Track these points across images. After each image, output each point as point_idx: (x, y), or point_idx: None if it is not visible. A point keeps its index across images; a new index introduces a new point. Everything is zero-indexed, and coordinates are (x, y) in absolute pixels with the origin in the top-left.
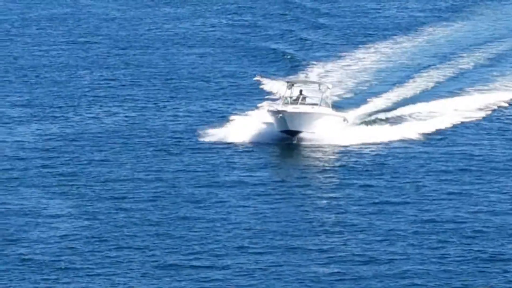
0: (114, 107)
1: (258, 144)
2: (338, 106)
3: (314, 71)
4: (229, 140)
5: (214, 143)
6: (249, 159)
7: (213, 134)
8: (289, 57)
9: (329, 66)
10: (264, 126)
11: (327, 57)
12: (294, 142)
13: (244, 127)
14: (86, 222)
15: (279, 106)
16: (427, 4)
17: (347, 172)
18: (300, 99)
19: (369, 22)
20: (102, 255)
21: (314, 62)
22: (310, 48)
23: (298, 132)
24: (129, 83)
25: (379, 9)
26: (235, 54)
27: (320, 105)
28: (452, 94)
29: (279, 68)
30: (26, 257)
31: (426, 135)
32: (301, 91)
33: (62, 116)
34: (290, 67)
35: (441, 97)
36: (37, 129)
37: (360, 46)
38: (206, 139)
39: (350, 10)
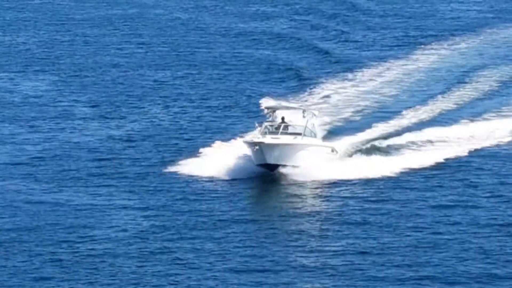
0: (176, 107)
1: (234, 179)
2: (335, 131)
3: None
4: (202, 174)
5: (186, 175)
6: (222, 197)
7: (186, 165)
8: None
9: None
10: (241, 158)
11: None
12: (274, 176)
13: (219, 159)
14: (152, 221)
15: (256, 137)
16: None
17: (334, 210)
18: (281, 128)
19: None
20: (170, 256)
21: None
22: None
23: (278, 166)
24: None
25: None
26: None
27: (304, 134)
28: (478, 115)
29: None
30: (94, 253)
31: (431, 167)
32: (283, 118)
33: (126, 116)
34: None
35: (464, 118)
36: (103, 128)
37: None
38: (179, 170)
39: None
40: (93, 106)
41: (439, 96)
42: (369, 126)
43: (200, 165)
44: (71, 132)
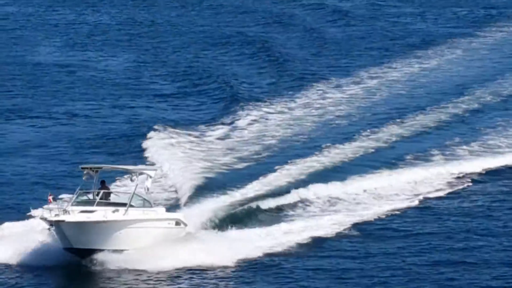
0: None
1: (37, 267)
2: (206, 187)
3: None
4: None
5: None
6: None
7: None
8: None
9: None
10: (46, 239)
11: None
12: (87, 265)
13: (18, 239)
14: None
15: (53, 212)
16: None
17: None
18: (99, 196)
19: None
20: None
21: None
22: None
23: (89, 251)
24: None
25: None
26: None
27: (131, 205)
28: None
29: None
30: None
31: (320, 241)
32: (102, 182)
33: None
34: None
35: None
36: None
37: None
38: None
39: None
40: (172, 85)
41: (369, 131)
42: (256, 176)
43: None
44: (149, 109)
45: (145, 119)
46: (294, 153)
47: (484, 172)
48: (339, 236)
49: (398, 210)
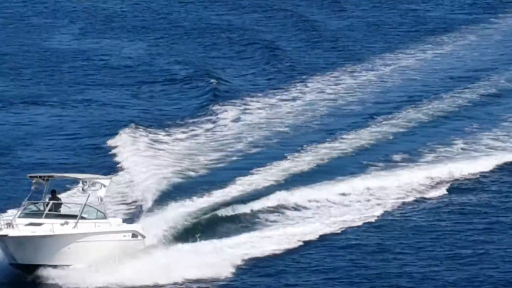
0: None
1: None
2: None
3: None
4: None
5: None
6: None
7: None
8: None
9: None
10: None
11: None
12: (35, 281)
13: None
14: None
15: None
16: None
17: None
18: (48, 207)
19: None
20: None
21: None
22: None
23: (35, 267)
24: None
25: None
26: None
27: (82, 216)
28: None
29: None
30: None
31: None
32: (53, 192)
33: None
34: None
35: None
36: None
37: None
38: None
39: None
40: (183, 73)
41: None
42: (230, 180)
43: None
44: (167, 95)
45: (158, 108)
46: (307, 140)
47: (505, 163)
48: (354, 230)
49: (414, 203)
